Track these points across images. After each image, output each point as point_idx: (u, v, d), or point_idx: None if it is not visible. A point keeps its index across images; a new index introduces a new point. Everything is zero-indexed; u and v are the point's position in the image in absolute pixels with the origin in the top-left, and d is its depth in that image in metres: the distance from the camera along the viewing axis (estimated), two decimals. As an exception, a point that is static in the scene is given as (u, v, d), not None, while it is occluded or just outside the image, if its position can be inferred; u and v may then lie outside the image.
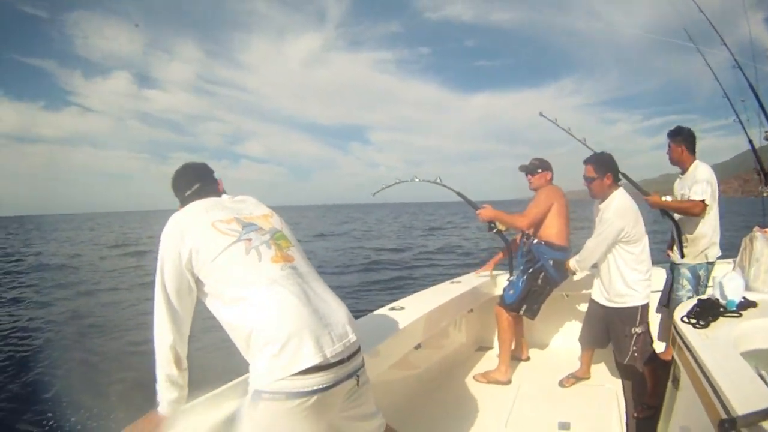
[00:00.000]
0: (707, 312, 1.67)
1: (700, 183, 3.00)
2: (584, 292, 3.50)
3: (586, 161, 2.91)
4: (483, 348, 3.90)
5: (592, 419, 2.64)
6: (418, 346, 2.81)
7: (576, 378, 3.13)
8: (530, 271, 3.25)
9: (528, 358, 3.59)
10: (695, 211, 2.98)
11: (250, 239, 1.49)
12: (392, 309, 2.84)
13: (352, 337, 1.48)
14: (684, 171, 3.17)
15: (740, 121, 3.02)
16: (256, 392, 1.37)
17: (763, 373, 1.28)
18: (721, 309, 1.78)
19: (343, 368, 1.45)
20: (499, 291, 3.62)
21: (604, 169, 2.83)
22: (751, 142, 2.95)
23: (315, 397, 1.38)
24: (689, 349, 1.44)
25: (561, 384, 3.10)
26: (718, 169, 3.19)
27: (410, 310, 2.80)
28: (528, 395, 3.00)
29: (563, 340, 3.78)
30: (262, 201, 1.72)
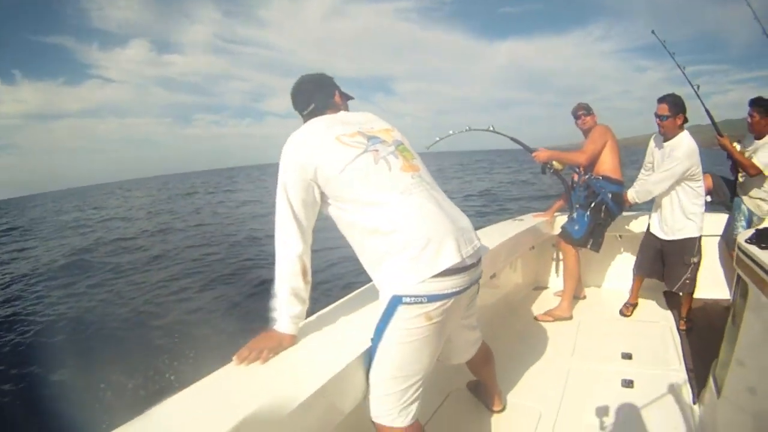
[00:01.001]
0: (767, 237, 1.78)
1: None
2: (637, 232, 3.62)
3: (661, 99, 3.01)
4: (539, 288, 4.05)
5: (651, 350, 2.81)
6: (493, 276, 2.98)
7: (632, 305, 3.39)
8: (593, 205, 3.34)
9: (585, 297, 3.75)
10: (750, 171, 3.13)
11: (377, 150, 1.48)
12: None
13: (478, 243, 1.51)
14: (759, 137, 3.22)
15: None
16: (395, 297, 1.35)
17: None
18: None
19: (474, 271, 1.47)
20: (557, 230, 3.71)
21: (677, 109, 2.97)
22: None
23: (452, 300, 1.39)
24: (757, 263, 1.49)
25: (621, 313, 3.34)
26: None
27: (484, 241, 2.96)
28: (589, 329, 3.17)
29: (617, 281, 3.87)
30: None
